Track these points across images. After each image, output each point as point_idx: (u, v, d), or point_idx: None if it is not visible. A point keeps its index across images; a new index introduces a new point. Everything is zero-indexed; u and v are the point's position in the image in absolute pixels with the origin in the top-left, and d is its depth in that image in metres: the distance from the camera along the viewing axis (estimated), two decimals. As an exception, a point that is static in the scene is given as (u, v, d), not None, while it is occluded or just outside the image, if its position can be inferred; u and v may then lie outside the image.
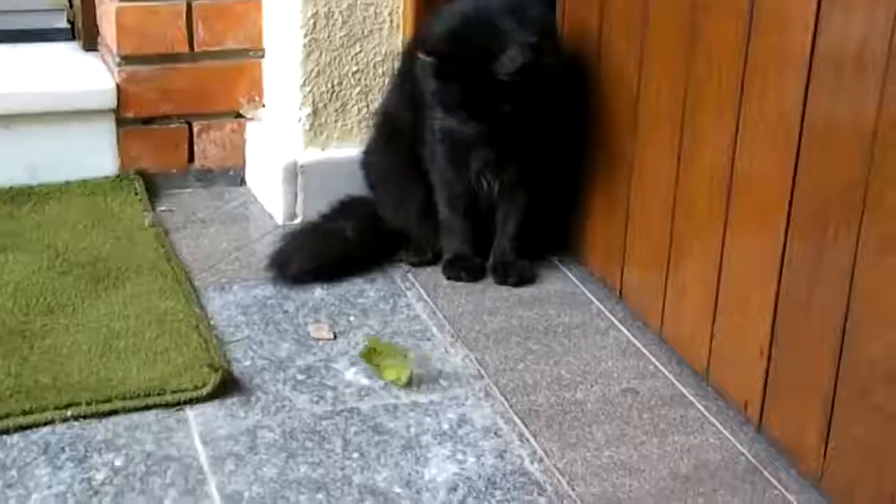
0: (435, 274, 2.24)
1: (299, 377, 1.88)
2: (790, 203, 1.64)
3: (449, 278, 2.21)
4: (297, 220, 2.41)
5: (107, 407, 1.75)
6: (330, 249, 2.24)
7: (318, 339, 1.99)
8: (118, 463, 1.65)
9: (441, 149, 2.17)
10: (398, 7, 2.38)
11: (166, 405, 1.78)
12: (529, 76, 1.96)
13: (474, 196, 2.21)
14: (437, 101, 2.05)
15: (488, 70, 1.96)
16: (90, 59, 2.65)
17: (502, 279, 2.21)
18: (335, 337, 2.00)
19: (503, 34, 1.98)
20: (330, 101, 2.40)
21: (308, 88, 2.38)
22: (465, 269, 2.22)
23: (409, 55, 2.23)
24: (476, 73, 1.98)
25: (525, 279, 2.22)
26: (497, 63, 1.95)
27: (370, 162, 2.33)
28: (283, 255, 2.22)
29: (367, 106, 2.42)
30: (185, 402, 1.79)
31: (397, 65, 2.34)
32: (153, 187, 2.53)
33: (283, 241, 2.27)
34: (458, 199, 2.22)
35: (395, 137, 2.26)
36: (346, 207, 2.33)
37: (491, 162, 2.16)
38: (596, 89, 2.13)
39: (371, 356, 1.90)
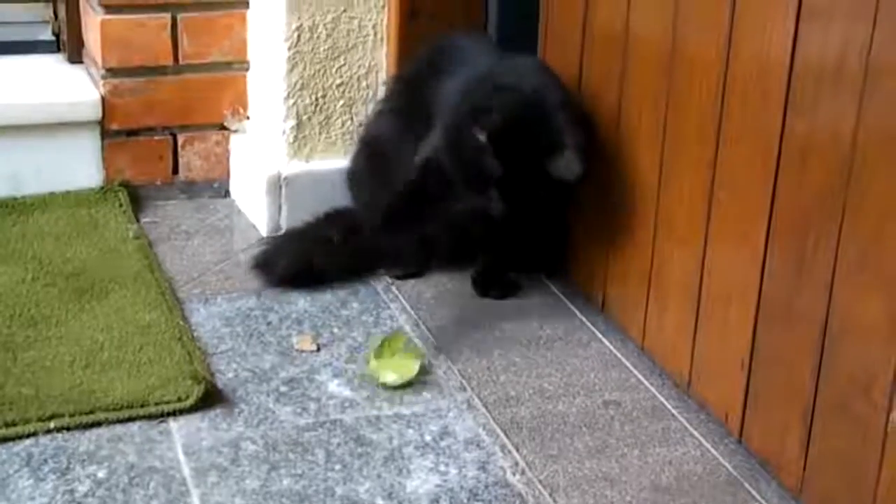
0: (419, 286, 2.24)
1: (282, 389, 1.89)
2: (770, 216, 1.65)
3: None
4: (282, 232, 2.41)
5: (90, 419, 1.75)
6: (316, 254, 2.24)
7: (302, 351, 1.99)
8: (101, 475, 1.65)
9: (417, 196, 2.10)
10: (382, 20, 2.39)
11: (149, 417, 1.78)
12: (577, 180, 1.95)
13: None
14: (472, 177, 1.97)
15: (542, 165, 1.92)
16: (75, 71, 2.65)
17: (484, 292, 2.22)
18: (319, 349, 2.00)
19: (562, 130, 1.94)
20: (314, 113, 2.40)
21: (292, 101, 2.39)
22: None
23: (405, 85, 2.25)
24: (529, 164, 1.93)
25: (508, 293, 2.23)
26: (553, 162, 1.91)
27: (354, 175, 2.34)
28: (269, 256, 2.23)
29: (352, 119, 2.43)
30: (168, 414, 1.79)
31: (387, 91, 2.34)
32: (137, 199, 2.53)
33: (269, 244, 2.29)
34: (404, 221, 2.13)
35: (379, 157, 2.26)
36: (332, 216, 2.34)
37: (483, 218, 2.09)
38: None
39: (382, 350, 1.92)
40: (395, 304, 2.18)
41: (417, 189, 2.08)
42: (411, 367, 1.91)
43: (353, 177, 2.33)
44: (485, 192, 1.97)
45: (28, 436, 1.72)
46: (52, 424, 1.73)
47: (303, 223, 2.33)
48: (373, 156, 2.29)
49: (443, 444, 1.77)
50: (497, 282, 2.23)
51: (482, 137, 1.92)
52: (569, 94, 2.08)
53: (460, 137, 1.97)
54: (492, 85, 2.03)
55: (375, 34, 2.40)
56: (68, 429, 1.74)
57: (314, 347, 2.00)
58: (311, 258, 2.23)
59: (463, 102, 2.03)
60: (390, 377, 1.90)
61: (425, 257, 2.29)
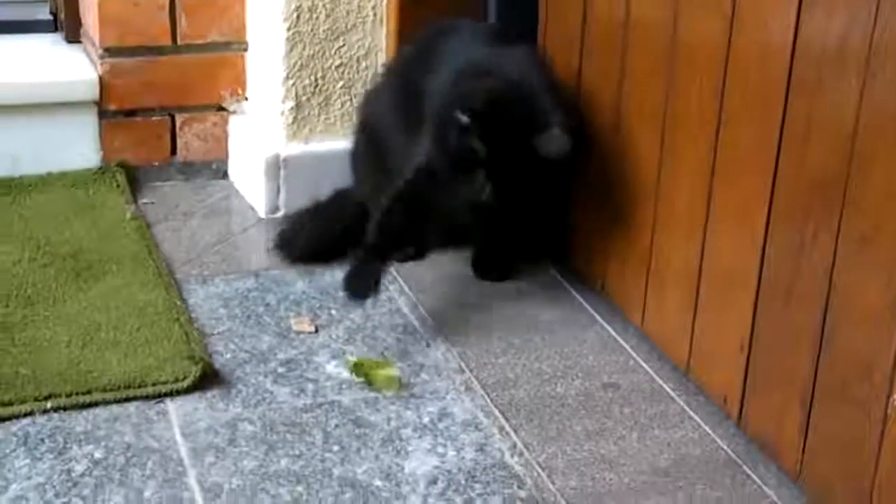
0: (417, 269, 2.24)
1: (280, 370, 1.88)
2: (770, 200, 1.65)
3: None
4: (280, 214, 2.41)
5: (87, 399, 1.75)
6: (333, 232, 2.26)
7: (300, 333, 1.99)
8: (98, 455, 1.65)
9: (413, 187, 2.08)
10: (381, 1, 2.38)
11: (147, 397, 1.78)
12: (564, 156, 1.93)
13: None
14: (458, 159, 1.96)
15: (529, 144, 1.91)
16: (73, 50, 2.63)
17: (484, 274, 2.22)
18: (316, 330, 2.00)
19: (548, 110, 1.93)
20: (313, 94, 2.39)
21: (291, 82, 2.38)
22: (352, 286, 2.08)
23: (399, 66, 2.24)
24: (514, 144, 1.92)
25: (507, 275, 2.22)
26: (540, 139, 1.90)
27: (355, 156, 2.33)
28: (289, 235, 2.26)
29: (351, 100, 2.42)
30: (166, 395, 1.79)
31: (383, 70, 2.33)
32: (135, 180, 2.52)
33: (286, 223, 2.31)
34: (398, 228, 2.09)
35: (375, 139, 2.26)
36: (342, 194, 2.33)
37: (476, 208, 2.07)
38: (579, 87, 2.14)
39: (359, 369, 1.88)
40: (394, 286, 2.17)
41: (410, 198, 2.07)
42: (395, 372, 1.88)
43: (354, 160, 2.33)
44: (472, 176, 1.95)
45: (25, 415, 1.71)
46: (48, 404, 1.73)
47: (314, 202, 2.32)
48: (366, 132, 2.28)
49: (441, 425, 1.76)
50: (496, 264, 2.22)
51: (465, 119, 1.91)
52: (556, 78, 2.07)
53: (445, 123, 1.96)
54: (477, 70, 2.02)
55: (375, 15, 2.39)
56: (65, 409, 1.74)
57: (312, 329, 2.00)
58: (327, 240, 2.25)
59: (449, 90, 2.02)
60: (382, 383, 1.87)
61: (426, 241, 2.28)
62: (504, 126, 1.92)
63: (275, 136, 2.42)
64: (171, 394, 1.79)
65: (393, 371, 1.88)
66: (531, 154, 1.91)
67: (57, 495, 1.56)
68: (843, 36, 1.49)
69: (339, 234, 2.25)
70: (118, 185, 2.46)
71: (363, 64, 2.40)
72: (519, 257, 2.27)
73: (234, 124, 2.57)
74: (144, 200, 2.47)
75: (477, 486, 1.64)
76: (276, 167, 2.39)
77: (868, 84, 1.45)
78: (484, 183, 1.95)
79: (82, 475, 1.60)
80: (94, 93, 2.48)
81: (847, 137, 1.49)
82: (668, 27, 1.85)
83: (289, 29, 2.34)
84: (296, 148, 2.41)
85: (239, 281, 2.16)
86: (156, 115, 2.55)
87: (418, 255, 2.27)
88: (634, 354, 1.99)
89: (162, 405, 1.77)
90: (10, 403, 1.72)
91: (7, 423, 1.70)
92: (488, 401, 1.84)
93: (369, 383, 1.86)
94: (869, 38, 1.44)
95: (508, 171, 1.94)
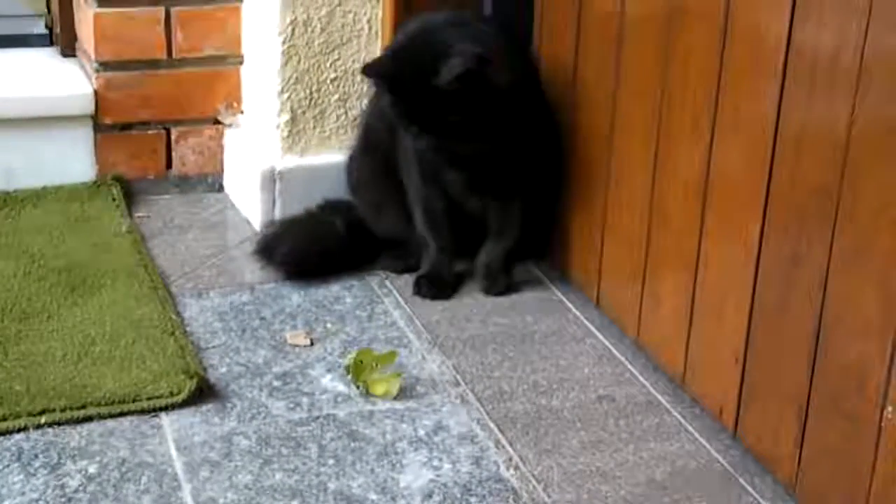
0: (413, 281, 2.23)
1: (275, 384, 1.88)
2: (764, 211, 1.65)
3: (414, 294, 2.19)
4: (281, 219, 2.40)
5: (81, 413, 1.75)
6: (319, 240, 2.26)
7: (295, 346, 1.99)
8: (92, 470, 1.65)
9: (415, 167, 2.18)
10: (377, 14, 2.38)
11: (141, 412, 1.77)
12: (471, 85, 1.96)
13: (456, 208, 2.21)
14: (394, 117, 2.06)
15: (431, 83, 1.96)
16: (68, 64, 2.64)
17: (488, 289, 2.22)
18: (312, 343, 2.00)
19: (445, 47, 1.98)
20: (308, 107, 2.39)
21: (286, 95, 2.38)
22: (433, 287, 2.19)
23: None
24: (420, 87, 1.98)
25: (509, 290, 2.22)
26: (440, 74, 1.95)
27: (353, 165, 2.34)
28: (272, 239, 2.25)
29: (346, 113, 2.42)
30: (161, 409, 1.78)
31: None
32: (131, 193, 2.52)
33: (273, 227, 2.31)
34: (433, 214, 2.21)
35: (375, 147, 2.27)
36: (335, 205, 2.33)
37: (467, 182, 2.17)
38: (572, 101, 2.14)
39: (358, 371, 1.87)
40: (389, 299, 2.17)
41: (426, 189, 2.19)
42: (395, 376, 1.89)
43: (350, 162, 2.35)
44: (407, 128, 2.05)
45: (19, 430, 1.71)
46: (43, 419, 1.73)
47: (304, 211, 2.33)
48: (365, 140, 2.31)
49: (436, 438, 1.76)
50: (500, 280, 2.22)
51: (373, 80, 2.07)
52: (511, 47, 2.12)
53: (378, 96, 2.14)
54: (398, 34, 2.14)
55: (370, 28, 2.39)
56: (59, 423, 1.73)
57: (307, 342, 2.00)
58: (313, 246, 2.25)
59: None
60: (380, 390, 1.87)
61: (420, 252, 2.28)
62: (404, 74, 2.00)
63: (270, 150, 2.42)
64: (166, 408, 1.79)
65: (393, 381, 1.87)
66: (442, 93, 1.96)
67: (51, 511, 1.57)
68: (835, 49, 1.49)
69: (328, 243, 2.25)
70: (113, 199, 2.46)
71: (358, 77, 2.40)
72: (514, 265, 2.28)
73: (230, 138, 2.57)
74: (140, 214, 2.47)
75: (473, 499, 1.63)
76: (272, 180, 2.39)
77: (860, 97, 1.46)
78: (416, 131, 2.04)
79: (76, 490, 1.60)
80: (89, 106, 2.49)
81: (840, 150, 1.49)
82: (664, 37, 1.85)
83: (284, 42, 2.34)
84: (291, 161, 2.41)
85: (234, 294, 2.15)
86: (151, 128, 2.55)
87: (416, 265, 2.27)
88: (630, 366, 1.98)
89: (157, 419, 1.77)
90: (4, 418, 1.72)
91: (1, 438, 1.70)
92: (484, 414, 1.83)
93: (365, 390, 1.86)
94: (860, 52, 1.45)
95: (432, 113, 2.00)
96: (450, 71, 1.94)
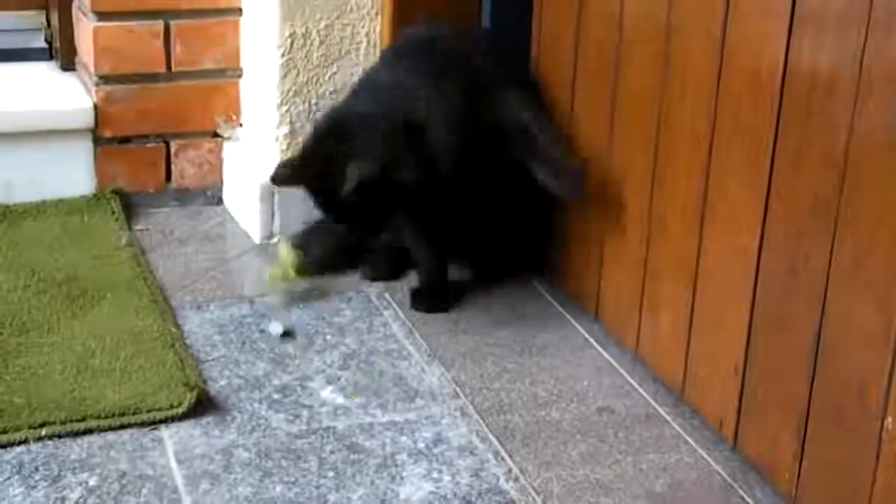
0: (409, 294, 2.24)
1: (275, 396, 1.88)
2: (763, 224, 1.65)
3: (412, 308, 2.19)
4: (275, 240, 2.41)
5: (81, 426, 1.75)
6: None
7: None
8: (92, 482, 1.64)
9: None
10: (375, 27, 2.39)
11: (141, 424, 1.77)
12: (374, 190, 1.97)
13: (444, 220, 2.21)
14: (313, 204, 2.11)
15: (335, 190, 1.99)
16: (68, 78, 2.64)
17: (419, 306, 2.20)
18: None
19: (347, 154, 1.99)
20: (307, 120, 2.40)
21: (285, 108, 2.38)
22: (430, 300, 2.20)
23: None
24: (326, 191, 2.03)
25: (441, 307, 2.20)
26: (344, 181, 1.97)
27: None
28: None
29: (345, 126, 2.42)
30: (161, 422, 1.78)
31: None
32: (130, 206, 2.53)
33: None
34: (421, 230, 2.21)
35: None
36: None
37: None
38: (570, 113, 2.14)
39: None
40: (388, 312, 2.18)
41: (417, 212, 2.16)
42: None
43: None
44: (327, 218, 2.11)
45: (19, 443, 1.71)
46: (43, 432, 1.73)
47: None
48: None
49: (436, 451, 1.76)
50: (429, 296, 2.21)
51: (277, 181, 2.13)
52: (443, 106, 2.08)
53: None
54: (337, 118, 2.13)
55: (369, 41, 2.40)
56: (60, 436, 1.73)
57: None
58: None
59: None
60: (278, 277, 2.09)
61: (399, 262, 2.28)
62: (311, 183, 2.07)
63: (269, 163, 2.42)
64: (166, 421, 1.79)
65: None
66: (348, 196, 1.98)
67: (51, 523, 1.57)
68: (834, 62, 1.50)
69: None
70: (113, 212, 2.47)
71: (357, 90, 2.41)
72: (507, 273, 2.29)
73: (229, 151, 2.58)
74: (139, 227, 2.47)
75: (472, 511, 1.64)
76: (271, 193, 2.40)
77: (858, 109, 1.46)
78: (332, 219, 2.09)
79: (77, 503, 1.60)
80: (88, 120, 2.49)
81: (839, 161, 1.49)
82: (661, 53, 1.86)
83: (283, 55, 2.35)
84: (290, 174, 2.41)
85: (234, 307, 2.16)
86: (150, 142, 2.55)
87: (392, 274, 2.29)
88: (629, 378, 1.99)
89: (157, 432, 1.77)
90: (5, 431, 1.72)
91: (1, 451, 1.70)
92: (483, 426, 1.84)
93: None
94: (858, 65, 1.45)
95: (344, 209, 2.03)
96: (349, 183, 1.96)
